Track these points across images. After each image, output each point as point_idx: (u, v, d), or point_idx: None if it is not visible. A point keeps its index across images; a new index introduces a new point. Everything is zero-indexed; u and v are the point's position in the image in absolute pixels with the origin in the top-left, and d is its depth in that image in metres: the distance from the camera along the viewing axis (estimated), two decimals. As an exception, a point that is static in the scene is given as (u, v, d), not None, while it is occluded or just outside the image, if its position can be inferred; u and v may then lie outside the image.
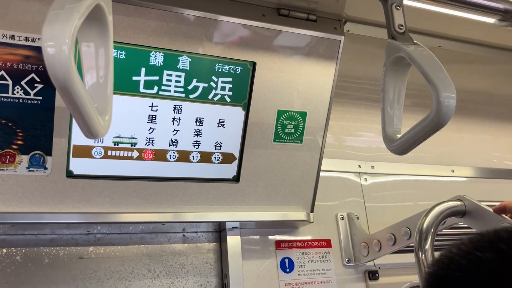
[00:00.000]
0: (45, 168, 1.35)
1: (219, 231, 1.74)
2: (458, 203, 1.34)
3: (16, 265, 1.45)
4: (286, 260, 1.76)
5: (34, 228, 1.46)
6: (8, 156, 1.31)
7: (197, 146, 1.52)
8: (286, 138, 1.61)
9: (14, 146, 1.31)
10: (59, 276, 1.48)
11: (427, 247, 1.27)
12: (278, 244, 1.78)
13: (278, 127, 1.58)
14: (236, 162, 1.58)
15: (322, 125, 1.63)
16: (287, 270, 1.75)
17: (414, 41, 1.02)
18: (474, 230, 1.34)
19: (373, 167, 2.05)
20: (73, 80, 0.58)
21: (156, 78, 1.40)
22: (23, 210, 1.35)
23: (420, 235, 1.30)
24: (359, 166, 2.03)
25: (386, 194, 2.03)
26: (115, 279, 1.55)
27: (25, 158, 1.33)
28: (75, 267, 1.51)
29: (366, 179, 2.02)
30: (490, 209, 1.24)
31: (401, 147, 1.00)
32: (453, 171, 2.22)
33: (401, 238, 1.61)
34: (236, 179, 1.59)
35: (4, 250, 1.45)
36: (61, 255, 1.51)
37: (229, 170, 1.58)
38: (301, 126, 1.61)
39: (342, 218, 1.90)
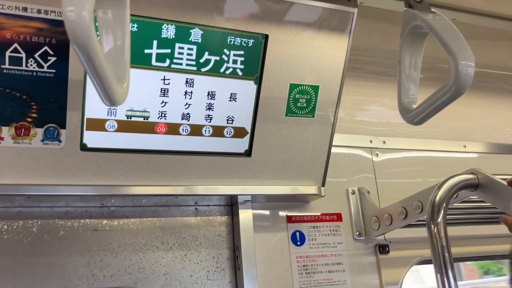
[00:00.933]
0: (59, 141, 1.36)
1: (231, 205, 1.75)
2: (471, 176, 1.34)
3: (33, 236, 1.47)
4: (297, 234, 1.78)
5: (49, 201, 1.48)
6: (23, 129, 1.32)
7: (209, 120, 1.52)
8: (298, 112, 1.60)
9: (29, 119, 1.32)
10: (75, 248, 1.51)
11: (439, 220, 1.27)
12: (289, 217, 1.79)
13: (290, 101, 1.57)
14: (248, 137, 1.58)
15: (335, 99, 1.62)
16: (298, 243, 1.77)
17: (432, 9, 1.01)
18: (486, 203, 1.35)
19: (384, 142, 2.04)
20: (94, 46, 0.58)
21: (168, 51, 1.40)
22: (38, 183, 1.37)
23: (432, 208, 1.30)
24: (371, 141, 2.02)
25: (397, 169, 2.03)
26: (129, 251, 1.57)
27: (39, 131, 1.34)
28: (89, 239, 1.54)
29: (377, 154, 2.02)
30: (504, 182, 1.24)
31: (417, 117, 1.00)
32: (465, 146, 2.21)
33: (413, 212, 1.61)
34: (248, 153, 1.60)
35: (21, 222, 1.47)
36: (76, 227, 1.53)
37: (241, 144, 1.59)
38: (313, 100, 1.60)
39: (353, 193, 1.91)
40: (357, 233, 1.86)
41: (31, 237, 1.47)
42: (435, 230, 1.26)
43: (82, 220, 1.54)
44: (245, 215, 1.71)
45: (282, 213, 1.79)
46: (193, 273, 1.64)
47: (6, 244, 1.44)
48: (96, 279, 1.50)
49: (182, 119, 1.49)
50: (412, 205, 1.61)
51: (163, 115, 1.47)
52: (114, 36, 0.72)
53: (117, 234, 1.58)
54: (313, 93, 1.60)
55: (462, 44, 0.86)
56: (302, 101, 1.59)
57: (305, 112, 1.61)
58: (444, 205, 1.29)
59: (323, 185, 1.72)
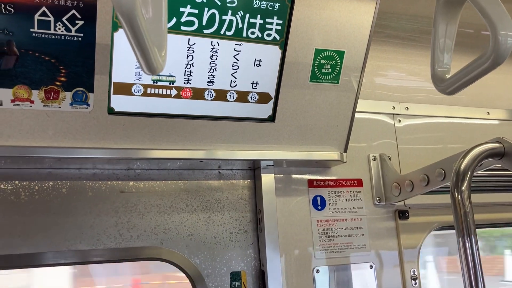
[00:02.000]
0: (88, 105, 1.38)
1: (254, 169, 1.77)
2: (497, 145, 1.33)
3: (62, 197, 1.52)
4: (318, 198, 1.80)
5: (78, 163, 1.52)
6: (52, 93, 1.34)
7: (233, 85, 1.52)
8: (322, 78, 1.59)
9: (58, 83, 1.34)
10: (102, 209, 1.56)
11: (463, 188, 1.27)
12: (311, 182, 1.81)
13: (315, 67, 1.56)
14: (272, 102, 1.59)
15: (360, 64, 1.61)
16: (319, 207, 1.80)
17: (470, -26, 0.98)
18: (511, 171, 1.35)
19: (407, 108, 2.03)
20: (138, 14, 0.59)
21: (195, 14, 1.39)
22: (68, 145, 1.40)
23: (457, 176, 1.30)
24: (393, 108, 2.01)
25: (419, 136, 2.03)
26: (155, 212, 1.62)
27: (68, 95, 1.36)
28: (116, 201, 1.58)
29: (399, 121, 2.01)
30: (531, 151, 1.23)
31: (451, 87, 0.99)
32: (488, 113, 2.19)
33: (435, 179, 1.62)
34: (272, 118, 1.60)
35: (51, 183, 1.51)
36: (103, 189, 1.57)
37: (265, 110, 1.59)
38: (338, 66, 1.59)
39: (374, 159, 1.92)
40: (377, 198, 1.88)
41: (60, 197, 1.52)
42: (459, 198, 1.27)
43: (109, 182, 1.58)
44: (267, 180, 1.74)
45: (304, 178, 1.81)
46: (216, 234, 1.68)
47: (37, 204, 1.49)
48: (123, 238, 1.56)
49: (207, 84, 1.50)
50: (435, 173, 1.62)
51: (188, 79, 1.47)
52: (153, 4, 0.72)
53: (143, 196, 1.62)
54: (338, 58, 1.58)
55: (501, 11, 0.84)
56: (327, 66, 1.58)
57: (329, 78, 1.60)
58: (469, 173, 1.29)
59: (345, 151, 1.73)
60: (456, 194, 1.29)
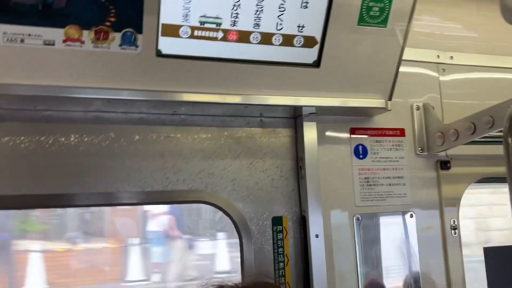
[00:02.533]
0: (136, 46, 1.39)
1: (295, 117, 1.77)
2: (554, 89, 1.29)
3: (110, 140, 1.55)
4: (360, 147, 1.80)
5: (125, 106, 1.53)
6: (102, 33, 1.34)
7: (279, 28, 1.50)
8: (370, 21, 1.56)
9: (107, 23, 1.34)
10: (149, 152, 1.58)
11: (518, 132, 1.25)
12: (353, 131, 1.80)
13: (363, 9, 1.53)
14: (317, 46, 1.56)
15: (409, 8, 1.57)
16: (361, 156, 1.79)
17: None
18: None
19: (452, 57, 1.97)
20: None
21: (242, -46, 1.36)
22: (116, 87, 1.42)
23: (510, 122, 1.27)
24: (437, 56, 1.96)
25: (464, 86, 1.98)
26: (199, 157, 1.64)
27: (117, 36, 1.36)
28: (162, 145, 1.60)
29: (444, 70, 1.96)
30: None
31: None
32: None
33: (482, 127, 1.59)
34: (317, 64, 1.58)
35: (99, 126, 1.54)
36: (149, 133, 1.59)
37: (310, 55, 1.57)
38: (387, 9, 1.55)
39: (418, 108, 1.88)
40: (419, 148, 1.86)
41: (108, 140, 1.55)
42: (513, 143, 1.24)
43: (155, 127, 1.60)
44: (309, 128, 1.73)
45: (346, 127, 1.80)
46: (258, 180, 1.70)
47: (87, 146, 1.52)
48: (170, 182, 1.59)
49: (253, 27, 1.48)
50: (482, 120, 1.59)
51: (234, 22, 1.46)
52: None
53: (187, 141, 1.63)
54: (387, 0, 1.53)
55: None
56: (375, 9, 1.54)
57: (377, 21, 1.56)
58: (524, 118, 1.26)
59: (390, 99, 1.70)
60: (510, 139, 1.26)
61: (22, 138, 1.46)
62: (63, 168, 1.49)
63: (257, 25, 1.48)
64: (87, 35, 1.33)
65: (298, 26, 1.51)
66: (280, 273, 1.65)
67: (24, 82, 1.33)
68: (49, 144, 1.48)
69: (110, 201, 1.56)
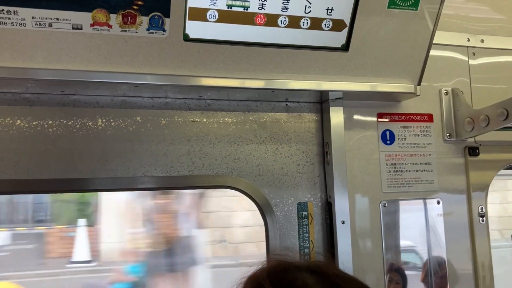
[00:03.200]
0: (164, 30, 1.37)
1: (321, 102, 1.74)
2: None
3: (137, 125, 1.55)
4: (387, 133, 1.77)
5: (151, 91, 1.52)
6: (129, 17, 1.33)
7: (308, 11, 1.47)
8: (401, 4, 1.51)
9: (135, 7, 1.32)
10: (175, 137, 1.58)
11: (556, 118, 1.21)
12: (380, 116, 1.77)
13: (394, -8, 1.48)
14: (346, 30, 1.53)
15: (441, -10, 1.52)
16: (388, 142, 1.77)
17: None
18: None
19: (482, 41, 1.92)
20: None
21: None
22: (143, 71, 1.41)
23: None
24: (468, 40, 1.90)
25: (495, 70, 1.92)
26: (225, 142, 1.63)
27: (145, 20, 1.34)
28: (188, 129, 1.59)
29: (474, 54, 1.91)
30: None
31: None
32: None
33: (516, 113, 1.54)
34: (345, 47, 1.55)
35: (126, 110, 1.54)
36: (176, 118, 1.59)
37: (339, 38, 1.54)
38: (419, -9, 1.50)
39: (446, 93, 1.84)
40: (448, 134, 1.82)
41: (135, 125, 1.55)
42: (551, 128, 1.21)
43: (181, 111, 1.59)
44: (336, 112, 1.70)
45: (373, 112, 1.77)
46: (284, 165, 1.69)
47: (114, 131, 1.52)
48: (195, 166, 1.58)
49: (281, 10, 1.45)
50: (516, 106, 1.54)
51: (262, 5, 1.43)
52: None
53: (213, 126, 1.62)
54: (419, -18, 1.49)
55: None
56: (407, -9, 1.50)
57: (408, 4, 1.52)
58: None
59: (419, 83, 1.67)
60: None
61: (50, 122, 1.47)
62: (90, 153, 1.49)
63: (285, 8, 1.45)
64: (115, 19, 1.32)
65: (327, 9, 1.48)
66: (306, 259, 1.65)
67: (52, 66, 1.33)
68: (76, 129, 1.49)
69: (137, 185, 1.56)
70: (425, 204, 1.78)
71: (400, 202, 1.75)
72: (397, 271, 1.74)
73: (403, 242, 1.74)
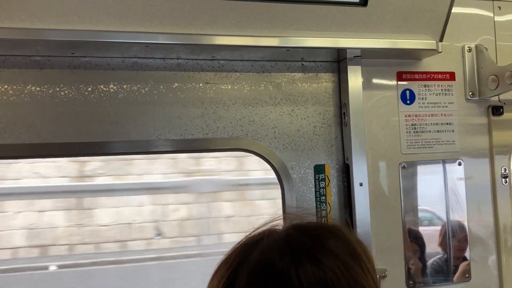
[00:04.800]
0: (173, -13, 1.32)
1: (339, 61, 1.68)
2: None
3: (149, 87, 1.51)
4: (407, 92, 1.71)
5: (162, 52, 1.48)
6: (138, -27, 1.28)
7: (324, -36, 1.40)
8: (423, -47, 1.43)
9: (143, -38, 1.27)
10: (189, 99, 1.54)
11: None
12: (400, 75, 1.71)
13: None
14: (364, -17, 1.45)
15: None
16: (408, 102, 1.71)
17: None
18: None
19: (509, -6, 1.82)
20: None
21: None
22: (155, 31, 1.37)
23: None
24: (493, -7, 1.81)
25: (522, 25, 1.83)
26: (240, 104, 1.59)
27: (154, -25, 1.29)
28: (202, 91, 1.56)
29: (499, 8, 1.81)
30: None
31: None
32: None
33: (544, 68, 1.47)
34: (364, 2, 1.48)
35: (138, 72, 1.50)
36: (188, 79, 1.55)
37: (357, -8, 1.47)
38: None
39: (470, 50, 1.76)
40: (470, 93, 1.76)
41: (148, 87, 1.51)
42: None
43: (193, 73, 1.55)
44: (354, 72, 1.64)
45: (393, 71, 1.71)
46: (300, 127, 1.65)
47: (126, 93, 1.49)
48: (210, 129, 1.55)
49: (296, -37, 1.38)
50: (544, 61, 1.47)
51: (276, -42, 1.36)
52: None
53: (227, 87, 1.58)
54: None
55: None
56: None
57: (431, -47, 1.44)
58: None
59: (441, 40, 1.60)
60: None
61: (62, 85, 1.44)
62: (103, 116, 1.47)
63: (300, -40, 1.38)
64: (123, -25, 1.27)
65: (345, -39, 1.41)
66: (323, 221, 1.63)
67: (61, 27, 1.30)
68: (88, 92, 1.46)
69: (151, 149, 1.54)
70: (446, 165, 1.73)
71: (421, 164, 1.70)
72: (415, 241, 1.70)
73: (423, 205, 1.71)
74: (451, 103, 1.75)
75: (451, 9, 1.54)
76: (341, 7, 1.48)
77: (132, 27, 1.34)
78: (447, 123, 1.74)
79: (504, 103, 1.79)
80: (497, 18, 1.82)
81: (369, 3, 1.47)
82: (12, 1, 1.24)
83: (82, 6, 1.29)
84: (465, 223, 1.75)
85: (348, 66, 1.64)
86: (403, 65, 1.71)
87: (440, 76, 1.74)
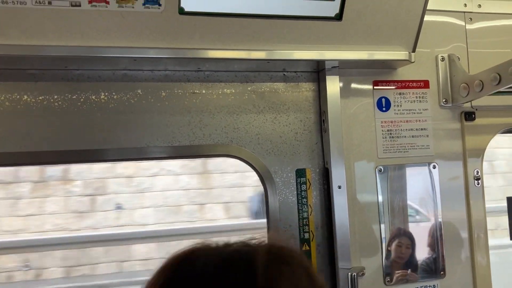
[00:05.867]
0: (159, 5, 1.41)
1: (318, 71, 1.78)
2: None
3: (138, 97, 1.61)
4: (383, 100, 1.81)
5: (151, 64, 1.58)
6: (126, -7, 1.37)
7: (301, -18, 1.49)
8: (393, -29, 1.53)
9: (131, -18, 1.36)
10: (176, 108, 1.63)
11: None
12: (376, 84, 1.81)
13: (386, -41, 1.50)
14: (339, -1, 1.55)
15: (434, -44, 1.52)
16: (384, 109, 1.81)
17: None
18: None
19: (480, 6, 1.92)
20: None
21: None
22: (142, 45, 1.46)
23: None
24: (465, 5, 1.91)
25: (492, 34, 1.93)
26: (224, 112, 1.68)
27: (141, -5, 1.38)
28: (188, 101, 1.65)
29: (471, 19, 1.91)
30: None
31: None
32: None
33: (508, 77, 1.57)
34: (339, 16, 1.58)
35: (127, 84, 1.59)
36: (176, 89, 1.64)
37: (332, 7, 1.56)
38: (411, -43, 1.51)
39: (443, 59, 1.86)
40: (444, 100, 1.86)
41: (137, 97, 1.61)
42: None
43: (180, 83, 1.65)
44: (332, 81, 1.74)
45: (369, 80, 1.80)
46: (282, 134, 1.74)
47: (116, 103, 1.58)
48: (196, 136, 1.65)
49: (274, -19, 1.47)
50: (508, 71, 1.57)
51: (255, -23, 1.46)
52: None
53: (212, 97, 1.68)
54: (411, -51, 1.50)
55: None
56: (399, -42, 1.51)
57: (401, -29, 1.53)
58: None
59: (413, 50, 1.69)
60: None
61: (56, 97, 1.53)
62: (95, 125, 1.56)
63: (278, -21, 1.47)
64: (112, -5, 1.36)
65: (320, -21, 1.50)
66: (304, 222, 1.72)
67: (54, 43, 1.39)
68: (80, 102, 1.56)
69: (140, 155, 1.63)
70: (421, 168, 1.83)
71: (397, 167, 1.80)
72: (392, 240, 1.79)
73: (399, 206, 1.80)
74: (426, 109, 1.85)
75: (422, 21, 1.64)
76: (318, 22, 1.57)
77: (120, 42, 1.43)
78: (421, 129, 1.83)
79: (476, 109, 1.89)
80: (468, 27, 1.92)
81: (344, 17, 1.57)
82: (7, 19, 1.33)
83: (74, 23, 1.38)
84: (440, 223, 1.84)
85: (326, 76, 1.73)
86: (379, 74, 1.81)
87: (414, 84, 1.84)
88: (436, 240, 1.83)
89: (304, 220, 1.73)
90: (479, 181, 1.88)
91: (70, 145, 1.54)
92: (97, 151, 1.57)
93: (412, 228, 1.82)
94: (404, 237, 1.80)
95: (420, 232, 1.83)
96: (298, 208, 1.73)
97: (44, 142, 1.52)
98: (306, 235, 1.72)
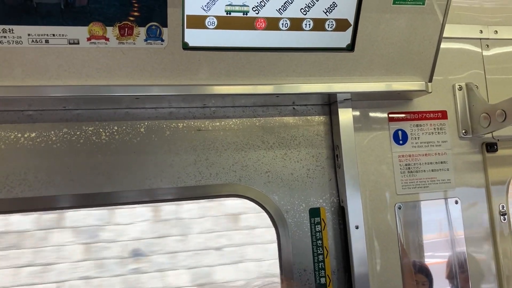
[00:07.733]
0: (162, 40, 1.34)
1: (329, 104, 1.69)
2: None
3: (141, 137, 1.52)
4: (400, 132, 1.71)
5: (154, 102, 1.50)
6: (126, 29, 1.31)
7: (309, 12, 1.42)
8: (407, -1, 1.46)
9: (131, 18, 1.30)
10: (181, 147, 1.55)
11: None
12: (391, 115, 1.71)
13: (399, -13, 1.43)
14: (350, 29, 1.48)
15: (449, -18, 1.45)
16: (401, 142, 1.71)
17: None
18: None
19: (496, 32, 1.84)
20: None
21: None
22: (145, 83, 1.38)
23: None
24: (481, 32, 1.83)
25: (510, 60, 1.84)
26: (232, 149, 1.59)
27: (142, 30, 1.32)
28: (194, 139, 1.56)
29: (487, 46, 1.83)
30: None
31: None
32: None
33: (534, 107, 1.47)
34: (351, 47, 1.50)
35: (129, 123, 1.52)
36: (181, 127, 1.56)
37: (343, 38, 1.49)
38: (425, -15, 1.44)
39: (460, 89, 1.77)
40: (463, 131, 1.76)
41: (139, 137, 1.52)
42: None
43: (185, 121, 1.57)
44: (345, 114, 1.65)
45: (384, 111, 1.71)
46: (293, 171, 1.64)
47: (118, 144, 1.50)
48: (203, 176, 1.55)
49: (281, 13, 1.41)
50: (533, 99, 1.47)
51: (261, 8, 1.39)
52: None
53: (219, 133, 1.59)
54: (425, -24, 1.43)
55: None
56: (413, -14, 1.44)
57: (414, -1, 1.46)
58: None
59: (430, 80, 1.60)
60: None
61: (54, 138, 1.46)
62: (95, 167, 1.48)
63: (284, 8, 1.41)
64: (111, 32, 1.30)
65: (328, 8, 1.43)
66: (320, 266, 1.61)
67: (52, 83, 1.32)
68: (80, 144, 1.47)
69: (143, 198, 1.53)
70: (442, 204, 1.72)
71: (417, 204, 1.69)
72: (421, 272, 1.68)
73: (421, 245, 1.68)
74: (445, 141, 1.75)
75: (438, 51, 1.56)
76: (329, 53, 1.49)
77: (121, 80, 1.36)
78: (441, 162, 1.73)
79: (498, 140, 1.78)
80: (485, 54, 1.84)
81: (356, 48, 1.49)
82: (3, 59, 1.27)
83: (71, 61, 1.31)
84: (466, 262, 1.72)
85: (339, 109, 1.65)
86: (394, 105, 1.72)
87: (432, 115, 1.75)
88: (462, 280, 1.70)
89: (320, 264, 1.61)
90: (505, 216, 1.76)
91: (69, 189, 1.45)
92: (96, 195, 1.47)
93: (437, 267, 1.69)
94: (419, 274, 1.68)
95: (445, 271, 1.70)
96: (313, 250, 1.61)
97: (42, 186, 1.43)
98: (323, 280, 1.60)
